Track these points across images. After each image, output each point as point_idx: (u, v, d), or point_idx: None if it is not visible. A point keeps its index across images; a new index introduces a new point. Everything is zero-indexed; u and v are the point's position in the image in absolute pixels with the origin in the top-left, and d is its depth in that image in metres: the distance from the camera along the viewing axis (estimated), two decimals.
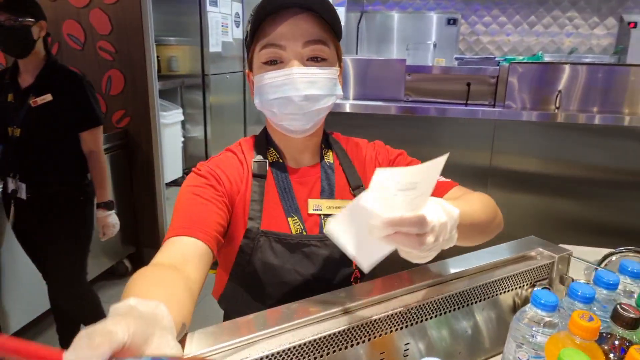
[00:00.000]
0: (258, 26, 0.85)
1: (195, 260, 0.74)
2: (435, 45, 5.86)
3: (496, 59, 3.07)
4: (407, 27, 6.15)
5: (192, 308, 0.64)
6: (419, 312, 0.77)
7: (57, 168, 1.87)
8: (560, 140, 2.42)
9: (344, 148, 1.01)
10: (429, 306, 0.78)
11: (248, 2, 5.03)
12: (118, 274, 3.01)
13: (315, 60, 0.85)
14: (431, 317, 0.80)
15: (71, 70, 1.88)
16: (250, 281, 0.90)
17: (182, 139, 4.39)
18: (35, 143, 1.81)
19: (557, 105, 2.43)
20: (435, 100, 2.72)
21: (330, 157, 0.98)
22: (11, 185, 1.83)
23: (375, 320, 0.72)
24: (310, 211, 0.91)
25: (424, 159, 0.94)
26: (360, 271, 0.94)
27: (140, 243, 3.10)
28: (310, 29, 0.83)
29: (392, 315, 0.74)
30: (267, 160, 0.92)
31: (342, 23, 4.53)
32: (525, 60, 2.77)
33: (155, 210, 3.04)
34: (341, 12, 5.12)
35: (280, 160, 0.94)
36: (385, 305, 0.75)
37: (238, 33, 4.88)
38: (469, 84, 2.63)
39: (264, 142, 0.95)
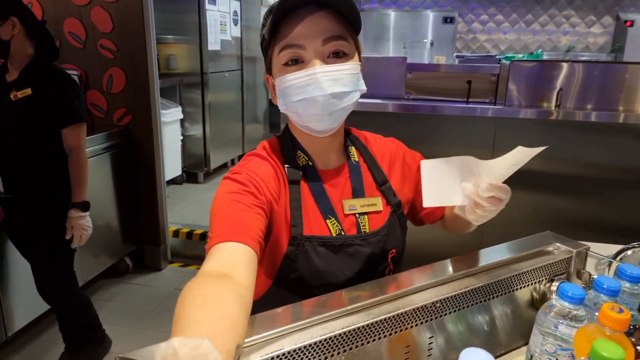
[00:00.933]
0: (274, 28, 0.84)
1: (244, 265, 0.73)
2: (432, 44, 5.89)
3: (497, 56, 3.08)
4: (403, 26, 6.17)
5: (247, 320, 0.63)
6: (441, 306, 0.78)
7: (39, 165, 1.84)
8: (561, 137, 2.44)
9: (365, 144, 1.02)
10: (449, 301, 0.79)
11: (246, 1, 5.02)
12: (119, 272, 3.00)
13: (337, 56, 0.84)
14: (451, 312, 0.81)
15: (55, 67, 1.84)
16: (296, 285, 0.90)
17: (181, 138, 4.38)
18: (13, 138, 1.78)
19: (558, 103, 2.45)
20: (436, 98, 2.73)
21: (355, 155, 0.99)
22: None
23: (400, 315, 0.73)
24: (347, 212, 0.92)
25: (424, 156, 1.00)
26: (394, 264, 0.96)
27: (141, 241, 3.09)
28: (329, 26, 0.82)
29: (416, 309, 0.75)
30: (299, 165, 0.93)
31: None
32: (525, 58, 2.79)
33: (156, 209, 3.03)
34: None
35: (310, 163, 0.94)
36: (410, 299, 0.76)
37: (236, 31, 4.87)
38: (469, 82, 2.65)
39: (290, 146, 0.95)
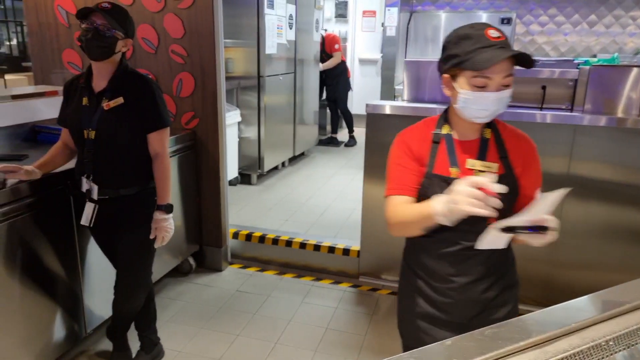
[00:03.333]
0: (472, 58, 1.17)
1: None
2: None
3: (575, 61, 2.97)
4: (454, 27, 6.05)
5: None
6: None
7: (129, 170, 1.91)
8: None
9: (500, 132, 1.32)
10: None
11: (301, 4, 5.05)
12: (183, 272, 3.07)
13: (506, 86, 1.19)
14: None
15: (141, 74, 1.92)
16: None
17: (237, 140, 4.45)
18: (109, 145, 1.86)
19: None
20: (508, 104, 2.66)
21: (487, 133, 1.32)
22: (85, 186, 1.88)
23: None
24: (468, 166, 1.29)
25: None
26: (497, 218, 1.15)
27: (203, 242, 3.15)
28: (509, 67, 1.18)
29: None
30: (441, 132, 1.32)
31: (395, 23, 4.48)
32: (601, 63, 2.67)
33: (218, 210, 3.09)
34: (394, 12, 5.09)
35: (450, 133, 1.32)
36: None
37: (291, 35, 4.91)
38: (544, 87, 2.56)
39: (442, 120, 1.35)
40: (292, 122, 5.27)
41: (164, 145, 1.94)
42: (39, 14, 3.06)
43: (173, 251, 2.88)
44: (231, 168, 4.29)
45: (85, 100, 1.84)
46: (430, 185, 1.28)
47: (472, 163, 1.29)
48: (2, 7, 11.57)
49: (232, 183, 4.62)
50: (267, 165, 4.78)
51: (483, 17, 5.86)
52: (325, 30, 6.53)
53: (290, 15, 4.81)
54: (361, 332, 2.53)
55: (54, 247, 2.03)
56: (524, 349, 0.68)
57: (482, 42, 1.17)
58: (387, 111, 2.75)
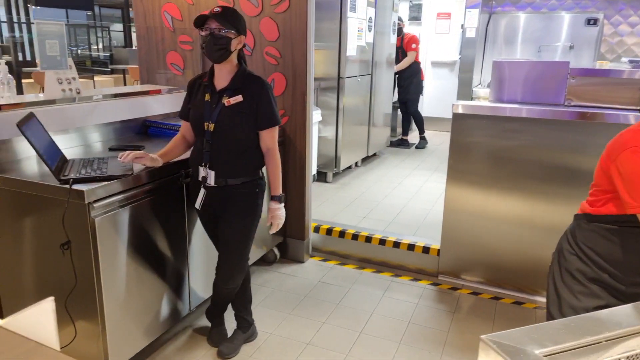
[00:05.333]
0: None
1: None
2: (571, 47, 5.56)
3: None
4: (535, 29, 5.90)
5: None
6: None
7: (241, 161, 2.10)
8: None
9: None
10: None
11: (380, 6, 5.14)
12: (268, 261, 3.25)
13: None
14: None
15: (258, 76, 2.11)
16: None
17: (317, 138, 4.61)
18: (225, 137, 2.05)
19: None
20: (602, 106, 2.60)
21: None
22: (202, 173, 2.09)
23: None
24: None
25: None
26: None
27: (287, 234, 3.31)
28: None
29: None
30: None
31: (475, 25, 4.47)
32: None
33: (303, 204, 3.24)
34: (475, 14, 5.05)
35: None
36: None
37: (370, 37, 5.00)
38: None
39: None
40: (367, 122, 5.37)
41: (274, 141, 2.12)
42: (147, 18, 3.36)
43: (261, 241, 3.06)
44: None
45: (207, 97, 2.04)
46: None
47: None
48: (91, 13, 12.58)
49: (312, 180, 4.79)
50: (343, 164, 4.91)
51: (567, 18, 5.67)
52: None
53: (370, 18, 4.91)
54: (444, 328, 2.58)
55: (167, 231, 2.24)
56: None
57: None
58: (473, 112, 2.77)
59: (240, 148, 2.07)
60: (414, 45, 6.13)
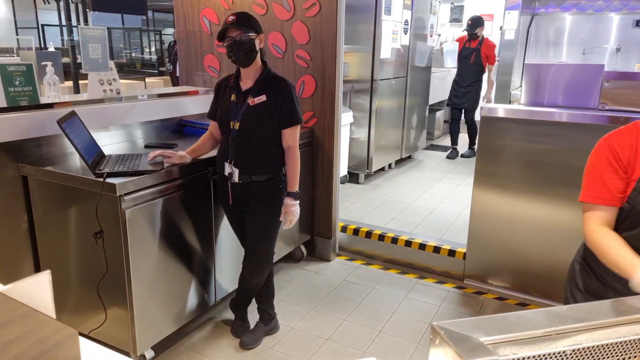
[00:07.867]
0: None
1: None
2: (618, 49, 5.34)
3: None
4: (581, 30, 5.71)
5: None
6: None
7: (265, 158, 2.19)
8: None
9: None
10: None
11: (417, 9, 5.13)
12: (295, 258, 3.33)
13: None
14: None
15: (282, 77, 2.20)
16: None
17: (348, 140, 4.65)
18: (249, 135, 2.14)
19: None
20: (637, 110, 2.52)
21: None
22: (227, 169, 2.19)
23: None
24: None
25: None
26: None
27: (315, 232, 3.38)
28: None
29: None
30: None
31: (515, 27, 4.39)
32: None
33: (330, 204, 3.30)
34: (514, 16, 4.95)
35: None
36: None
37: (405, 40, 5.00)
38: None
39: None
40: (400, 125, 5.36)
41: (295, 139, 2.20)
42: (187, 23, 3.52)
43: (288, 239, 3.15)
44: (341, 166, 4.51)
45: (233, 97, 2.15)
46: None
47: None
48: (145, 17, 13.14)
49: (341, 181, 4.82)
50: (375, 165, 4.93)
51: (615, 19, 5.45)
52: (439, 35, 6.50)
53: (406, 21, 4.91)
54: None
55: (194, 225, 2.36)
56: None
57: None
58: (503, 114, 2.75)
59: (264, 146, 2.16)
60: (498, 59, 5.49)
